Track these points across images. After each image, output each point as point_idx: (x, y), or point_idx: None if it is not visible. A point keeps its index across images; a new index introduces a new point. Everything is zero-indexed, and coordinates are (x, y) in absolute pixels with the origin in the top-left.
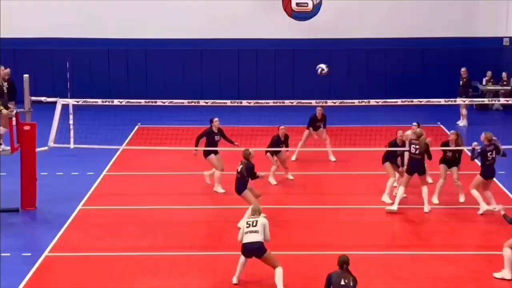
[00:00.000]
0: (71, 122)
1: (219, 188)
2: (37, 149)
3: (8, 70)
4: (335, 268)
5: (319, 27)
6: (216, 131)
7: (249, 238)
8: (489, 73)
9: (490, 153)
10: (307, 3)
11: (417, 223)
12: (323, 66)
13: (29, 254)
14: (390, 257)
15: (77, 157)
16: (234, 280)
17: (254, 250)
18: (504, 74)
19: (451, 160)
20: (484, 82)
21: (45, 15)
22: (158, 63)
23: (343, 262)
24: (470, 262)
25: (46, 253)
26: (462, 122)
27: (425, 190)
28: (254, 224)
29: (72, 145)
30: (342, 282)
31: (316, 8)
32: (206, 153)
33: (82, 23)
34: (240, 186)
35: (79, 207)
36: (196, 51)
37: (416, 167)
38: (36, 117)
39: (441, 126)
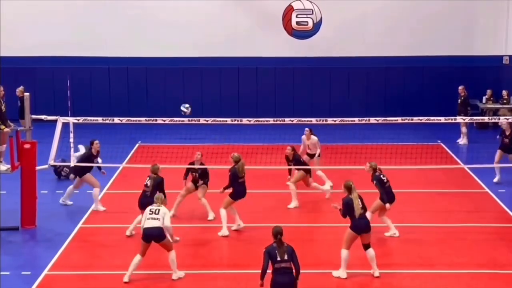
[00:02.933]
0: (71, 140)
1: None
2: (37, 167)
3: (21, 88)
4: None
5: (319, 45)
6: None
7: (150, 224)
8: (489, 92)
9: None
10: (307, 22)
11: (414, 240)
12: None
13: (29, 272)
14: (390, 276)
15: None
16: (125, 279)
17: (154, 235)
18: (504, 92)
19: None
20: (484, 100)
21: (45, 33)
22: (158, 81)
23: (277, 233)
24: (470, 281)
25: (45, 271)
26: (462, 140)
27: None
28: (156, 212)
29: (72, 163)
30: (278, 258)
31: (317, 26)
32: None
33: (83, 41)
34: (145, 201)
35: (79, 225)
36: (196, 69)
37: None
38: (36, 135)
39: (441, 144)
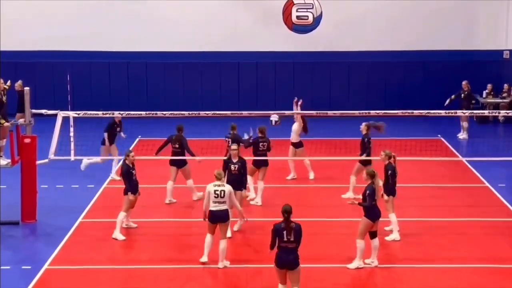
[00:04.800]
0: (71, 134)
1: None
2: (38, 162)
3: (20, 82)
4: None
5: (319, 40)
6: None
7: (216, 207)
8: (489, 86)
9: None
10: (307, 16)
11: (414, 235)
12: (275, 118)
13: (29, 267)
14: (389, 270)
15: (77, 170)
16: (204, 259)
17: (219, 217)
18: (505, 86)
19: None
20: (484, 95)
21: (45, 28)
22: (159, 75)
23: (285, 211)
24: (470, 275)
25: (46, 266)
26: (462, 135)
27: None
28: (222, 195)
29: (72, 157)
30: (285, 238)
31: (317, 21)
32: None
33: (83, 36)
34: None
35: (80, 219)
36: (196, 64)
37: None
38: (36, 129)
39: (441, 138)
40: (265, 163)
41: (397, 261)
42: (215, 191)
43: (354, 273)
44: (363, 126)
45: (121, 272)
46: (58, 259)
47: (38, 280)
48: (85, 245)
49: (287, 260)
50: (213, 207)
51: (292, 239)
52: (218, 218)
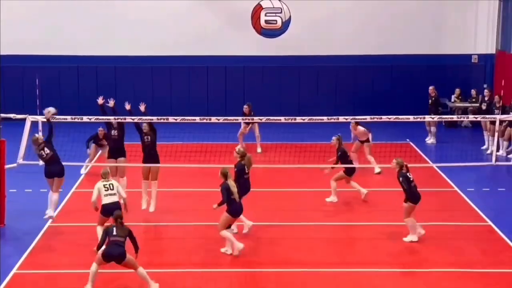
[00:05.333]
0: None
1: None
2: (6, 166)
3: None
4: (305, 285)
5: (288, 44)
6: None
7: (108, 200)
8: (457, 90)
9: None
10: (276, 21)
11: (382, 239)
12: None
13: None
14: (359, 274)
15: None
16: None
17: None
18: (473, 91)
19: None
20: (452, 99)
21: (13, 32)
22: (127, 80)
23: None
24: (438, 280)
25: (14, 270)
26: (430, 139)
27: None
28: (111, 188)
29: (41, 162)
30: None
31: (285, 25)
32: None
33: (51, 40)
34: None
35: (48, 224)
36: (165, 68)
37: None
38: (5, 134)
39: (410, 142)
40: None
41: (366, 265)
42: (104, 185)
43: (325, 276)
44: (334, 141)
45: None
46: (26, 263)
47: (6, 285)
48: (54, 250)
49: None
50: (106, 200)
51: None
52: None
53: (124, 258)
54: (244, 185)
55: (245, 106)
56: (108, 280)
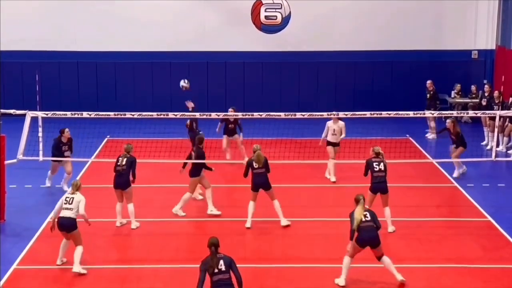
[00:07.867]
0: (40, 134)
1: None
2: (6, 162)
3: None
4: (305, 281)
5: (288, 40)
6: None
7: (63, 213)
8: (457, 86)
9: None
10: (276, 16)
11: (382, 235)
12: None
13: None
14: (359, 270)
15: (46, 170)
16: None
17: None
18: (473, 87)
19: None
20: (452, 95)
21: (14, 28)
22: (127, 76)
23: (212, 245)
24: (439, 276)
25: (14, 265)
26: (431, 135)
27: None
28: (70, 202)
29: (41, 158)
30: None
31: (285, 21)
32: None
33: (52, 36)
34: (120, 180)
35: (48, 219)
36: (165, 64)
37: None
38: (5, 129)
39: (410, 138)
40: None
41: (364, 260)
42: (66, 197)
43: (325, 272)
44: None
45: (89, 272)
46: (26, 258)
47: (6, 280)
48: (54, 245)
49: None
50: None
51: (224, 269)
52: (64, 227)
53: None
54: (255, 179)
55: (230, 109)
56: None
